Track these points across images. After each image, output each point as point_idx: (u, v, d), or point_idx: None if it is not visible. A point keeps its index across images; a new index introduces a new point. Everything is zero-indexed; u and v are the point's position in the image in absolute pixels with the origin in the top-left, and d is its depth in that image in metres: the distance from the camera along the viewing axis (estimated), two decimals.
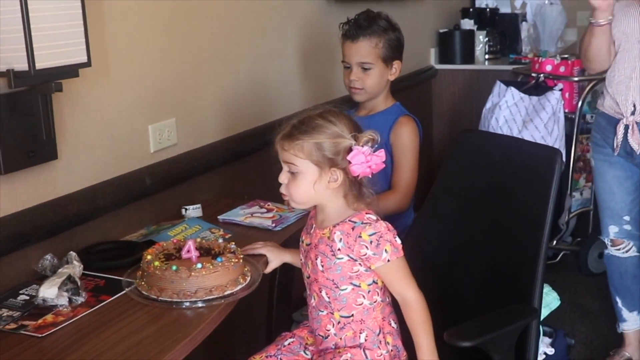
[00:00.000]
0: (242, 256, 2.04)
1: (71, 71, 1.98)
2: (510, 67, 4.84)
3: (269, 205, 2.64)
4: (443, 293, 2.17)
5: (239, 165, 2.99)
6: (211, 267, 1.92)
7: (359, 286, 1.99)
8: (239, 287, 1.97)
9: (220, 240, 2.11)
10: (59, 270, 2.01)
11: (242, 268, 2.02)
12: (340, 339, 2.02)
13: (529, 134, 4.06)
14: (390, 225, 1.96)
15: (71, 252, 2.08)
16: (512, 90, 4.24)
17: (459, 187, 2.32)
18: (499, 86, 4.33)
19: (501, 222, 2.15)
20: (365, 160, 1.90)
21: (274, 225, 2.45)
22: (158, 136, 2.55)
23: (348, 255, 1.95)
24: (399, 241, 1.95)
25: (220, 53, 2.87)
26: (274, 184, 3.23)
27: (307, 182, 1.94)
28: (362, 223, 1.94)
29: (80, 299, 1.92)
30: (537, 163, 2.09)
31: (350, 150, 1.91)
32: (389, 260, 1.93)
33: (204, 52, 2.78)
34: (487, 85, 4.67)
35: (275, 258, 2.23)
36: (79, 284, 1.95)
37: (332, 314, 2.02)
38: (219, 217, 2.54)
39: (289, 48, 3.39)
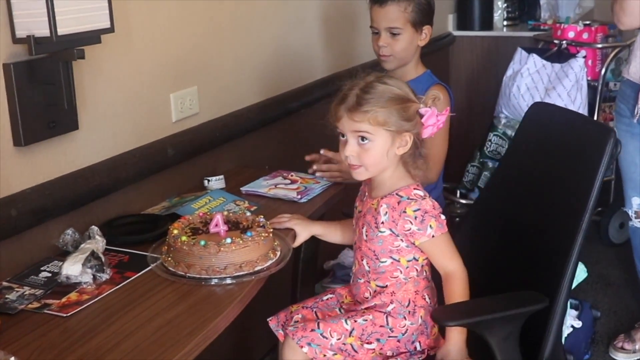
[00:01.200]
0: (271, 230, 1.96)
1: (93, 37, 1.89)
2: (530, 34, 4.74)
3: (292, 175, 2.56)
4: (487, 273, 2.09)
5: (261, 135, 2.91)
6: (241, 241, 1.85)
7: (398, 261, 1.96)
8: (270, 262, 1.90)
9: (248, 214, 2.03)
10: (81, 245, 1.93)
11: (272, 242, 1.94)
12: (374, 305, 2.00)
13: (552, 102, 3.97)
14: (436, 202, 1.94)
15: (93, 226, 2.00)
16: (534, 57, 4.14)
17: (522, 164, 2.24)
18: (520, 53, 4.24)
19: (547, 204, 2.07)
20: (436, 120, 1.90)
21: (299, 196, 2.38)
22: (180, 105, 2.46)
23: (390, 230, 1.93)
24: (443, 217, 1.92)
25: (242, 19, 2.77)
26: (297, 152, 3.17)
27: (381, 149, 1.91)
28: (408, 198, 1.91)
29: (104, 276, 1.84)
30: (588, 141, 2.00)
31: (419, 113, 1.91)
32: (433, 236, 1.91)
33: (226, 19, 2.68)
34: (506, 53, 4.57)
35: (304, 231, 2.17)
36: (103, 260, 1.87)
37: (369, 282, 2.01)
38: (241, 188, 2.47)
39: (311, 13, 3.29)
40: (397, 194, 1.92)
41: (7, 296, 1.76)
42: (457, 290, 1.93)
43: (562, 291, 1.85)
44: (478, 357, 1.89)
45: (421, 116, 1.91)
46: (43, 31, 1.74)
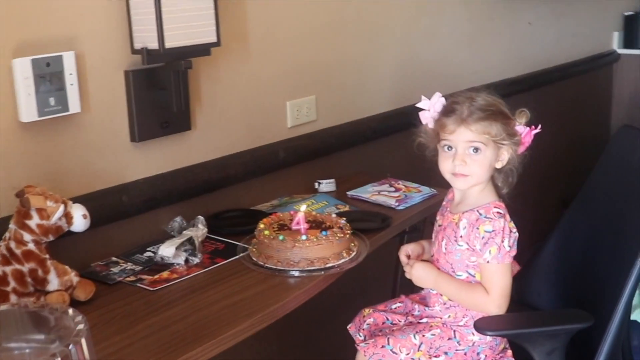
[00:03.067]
0: (349, 232, 2.13)
1: (202, 50, 2.14)
2: None
3: (399, 184, 2.71)
4: (563, 279, 2.15)
5: (382, 144, 3.06)
6: (315, 239, 2.03)
7: (474, 276, 2.06)
8: (342, 260, 2.07)
9: (334, 215, 2.21)
10: (184, 232, 2.19)
11: (348, 242, 2.11)
12: (441, 317, 2.11)
13: None
14: (513, 227, 2.01)
15: (199, 216, 2.25)
16: None
17: (607, 184, 2.28)
18: None
19: (624, 233, 2.09)
20: (530, 136, 2.04)
21: (397, 204, 2.52)
22: (296, 112, 2.67)
23: (467, 244, 2.03)
24: (508, 248, 1.98)
25: (366, 29, 2.93)
26: (418, 164, 3.29)
27: (487, 161, 2.03)
28: (485, 217, 2.00)
29: (196, 260, 2.09)
30: None
31: (516, 130, 2.04)
32: (488, 262, 1.99)
33: (349, 29, 2.85)
34: None
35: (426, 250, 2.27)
36: (197, 245, 2.12)
37: (441, 295, 2.11)
38: (347, 192, 2.64)
39: (445, 28, 3.40)
40: (477, 210, 2.02)
41: (111, 269, 2.05)
42: (479, 299, 2.01)
43: (618, 311, 1.89)
44: None
45: (520, 133, 2.04)
46: (154, 44, 2.01)
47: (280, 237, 2.04)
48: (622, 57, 5.01)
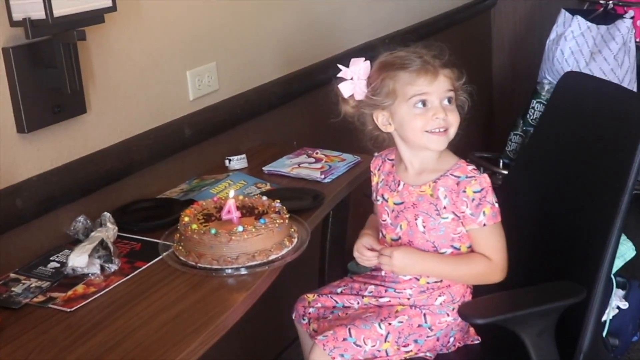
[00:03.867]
0: (287, 215, 1.86)
1: (95, 17, 1.80)
2: None
3: (317, 153, 2.46)
4: (520, 249, 1.97)
5: (287, 110, 2.81)
6: (253, 229, 1.75)
7: (459, 249, 1.84)
8: (285, 250, 1.80)
9: (264, 198, 1.94)
10: (92, 234, 1.86)
11: (287, 229, 1.85)
12: (408, 298, 1.87)
13: (597, 67, 3.80)
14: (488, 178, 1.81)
15: (105, 212, 1.93)
16: (578, 19, 3.95)
17: (555, 136, 2.11)
18: (563, 15, 4.05)
19: (584, 180, 1.93)
20: None
21: (322, 176, 2.28)
22: (197, 82, 2.37)
23: (453, 213, 1.80)
24: (497, 204, 1.79)
25: None
26: (327, 127, 3.06)
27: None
28: (467, 177, 1.79)
29: (113, 267, 1.77)
30: (629, 116, 1.85)
31: None
32: (484, 225, 1.78)
33: None
34: (550, 15, 4.38)
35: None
36: (112, 249, 1.80)
37: (418, 279, 1.87)
38: (264, 168, 2.38)
39: None
40: (451, 174, 1.80)
41: (12, 289, 1.71)
42: (479, 268, 1.81)
43: (601, 278, 1.73)
44: (510, 354, 1.78)
45: None
46: (39, 13, 1.66)
47: (213, 231, 1.75)
48: (498, 1, 4.92)
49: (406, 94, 1.79)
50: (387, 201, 1.92)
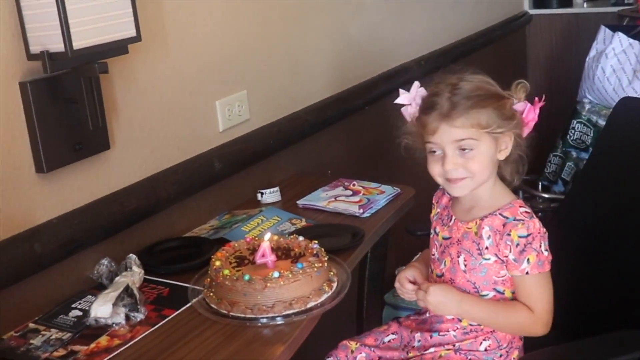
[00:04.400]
0: (326, 258, 1.72)
1: (118, 48, 1.68)
2: (614, 9, 4.39)
3: (354, 185, 2.33)
4: (577, 289, 1.82)
5: (321, 138, 2.68)
6: (290, 275, 1.61)
7: (503, 293, 1.70)
8: (324, 296, 1.66)
9: (300, 238, 1.80)
10: (116, 278, 1.74)
11: (327, 273, 1.70)
12: (454, 345, 1.73)
13: None
14: (541, 226, 1.66)
15: (131, 254, 1.81)
16: (620, 35, 3.80)
17: (614, 167, 1.97)
18: (604, 32, 3.90)
19: None
20: (534, 114, 1.66)
21: (361, 211, 2.14)
22: (227, 112, 2.24)
23: (496, 256, 1.66)
24: (546, 253, 1.64)
25: (293, 12, 2.52)
26: (362, 154, 2.94)
27: (485, 156, 1.66)
28: (515, 219, 1.64)
29: (139, 316, 1.64)
30: None
31: (513, 109, 1.64)
32: (527, 273, 1.63)
33: (275, 13, 2.44)
34: (587, 31, 4.25)
35: (420, 272, 1.87)
36: (137, 297, 1.67)
37: (460, 320, 1.73)
38: (298, 202, 2.24)
39: (370, 2, 3.01)
40: (500, 214, 1.66)
41: (31, 341, 1.58)
42: (521, 319, 1.66)
43: None
44: None
45: (520, 112, 1.65)
46: (58, 46, 1.53)
47: (246, 277, 1.61)
48: (533, 17, 4.79)
49: (423, 137, 1.69)
50: (437, 235, 1.80)
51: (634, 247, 1.79)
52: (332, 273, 1.74)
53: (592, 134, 3.78)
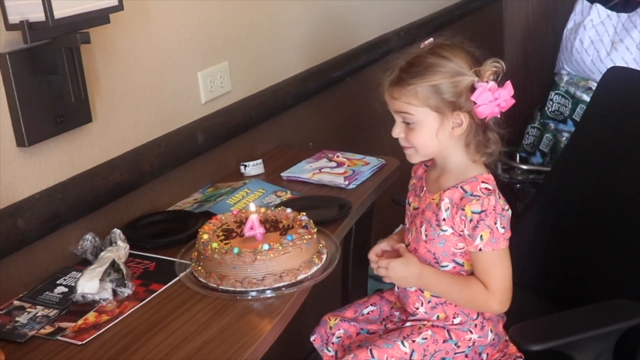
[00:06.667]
0: (315, 230, 1.70)
1: (100, 17, 1.64)
2: None
3: (338, 157, 2.31)
4: (566, 261, 1.81)
5: (302, 110, 2.64)
6: (280, 248, 1.59)
7: (462, 265, 1.68)
8: (314, 268, 1.65)
9: (288, 210, 1.78)
10: (101, 254, 1.71)
11: (316, 245, 1.69)
12: (429, 320, 1.73)
13: (619, 56, 3.63)
14: (504, 204, 1.63)
15: (115, 229, 1.78)
16: (598, 6, 3.79)
17: (600, 138, 1.94)
18: (582, 3, 3.89)
19: (635, 183, 1.76)
20: (492, 98, 1.56)
21: (346, 182, 2.12)
22: (209, 84, 2.20)
23: (452, 228, 1.64)
24: (502, 230, 1.60)
25: None
26: (343, 126, 2.91)
27: (428, 131, 1.63)
28: (472, 194, 1.61)
29: (126, 291, 1.61)
30: None
31: (473, 88, 1.57)
32: (480, 249, 1.61)
33: None
34: (565, 3, 4.22)
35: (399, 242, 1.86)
36: (124, 272, 1.64)
37: (422, 291, 1.73)
38: (282, 174, 2.22)
39: None
40: (461, 187, 1.63)
41: (17, 319, 1.55)
42: (472, 294, 1.66)
43: None
44: None
45: (472, 91, 1.58)
46: (38, 15, 1.49)
47: (235, 250, 1.59)
48: None
49: None
50: (409, 205, 1.79)
51: (624, 218, 1.78)
52: (321, 245, 1.72)
53: (570, 106, 3.78)
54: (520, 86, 4.61)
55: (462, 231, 1.63)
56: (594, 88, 3.63)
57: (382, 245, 1.80)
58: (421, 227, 1.70)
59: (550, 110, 3.88)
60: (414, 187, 1.81)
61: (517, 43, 4.79)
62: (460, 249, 1.66)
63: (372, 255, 1.79)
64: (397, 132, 1.66)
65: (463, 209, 1.61)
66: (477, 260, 1.65)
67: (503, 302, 1.65)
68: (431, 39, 1.68)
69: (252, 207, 1.72)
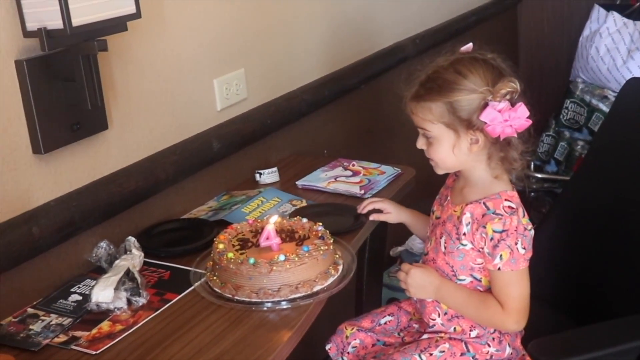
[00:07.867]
0: (331, 240, 1.69)
1: (117, 25, 1.63)
2: None
3: (353, 165, 2.29)
4: (584, 273, 1.78)
5: (318, 117, 2.63)
6: (296, 259, 1.58)
7: (480, 280, 1.67)
8: (330, 280, 1.63)
9: (304, 220, 1.76)
10: (116, 262, 1.70)
11: (332, 256, 1.67)
12: (446, 332, 1.72)
13: (636, 65, 3.62)
14: (527, 224, 1.61)
15: (130, 237, 1.77)
16: (614, 15, 3.78)
17: (619, 148, 1.92)
18: (597, 11, 3.88)
19: None
20: (502, 119, 1.53)
21: (362, 192, 2.10)
22: (225, 91, 2.19)
23: (472, 244, 1.62)
24: (522, 251, 1.58)
25: None
26: (359, 133, 2.90)
27: (445, 147, 1.62)
28: (494, 213, 1.59)
29: (141, 300, 1.60)
30: None
31: (485, 106, 1.54)
32: (499, 269, 1.59)
33: None
34: (580, 10, 4.22)
35: (395, 214, 1.93)
36: (139, 281, 1.63)
37: (439, 302, 1.71)
38: (297, 182, 2.20)
39: None
40: (484, 203, 1.61)
41: (31, 327, 1.54)
42: (488, 313, 1.64)
43: None
44: None
45: (481, 112, 1.54)
46: (56, 22, 1.48)
47: (251, 260, 1.57)
48: None
49: None
50: (433, 214, 1.79)
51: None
52: (337, 256, 1.70)
53: (585, 114, 3.76)
54: (535, 95, 4.62)
55: (482, 248, 1.61)
56: (609, 96, 3.64)
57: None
58: (441, 238, 1.69)
59: (565, 118, 3.87)
60: (441, 196, 1.80)
61: (532, 50, 4.78)
62: (479, 264, 1.65)
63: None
64: (420, 144, 1.67)
65: (484, 227, 1.59)
66: (495, 279, 1.63)
67: (519, 322, 1.64)
68: (470, 44, 1.66)
69: (274, 218, 1.71)
